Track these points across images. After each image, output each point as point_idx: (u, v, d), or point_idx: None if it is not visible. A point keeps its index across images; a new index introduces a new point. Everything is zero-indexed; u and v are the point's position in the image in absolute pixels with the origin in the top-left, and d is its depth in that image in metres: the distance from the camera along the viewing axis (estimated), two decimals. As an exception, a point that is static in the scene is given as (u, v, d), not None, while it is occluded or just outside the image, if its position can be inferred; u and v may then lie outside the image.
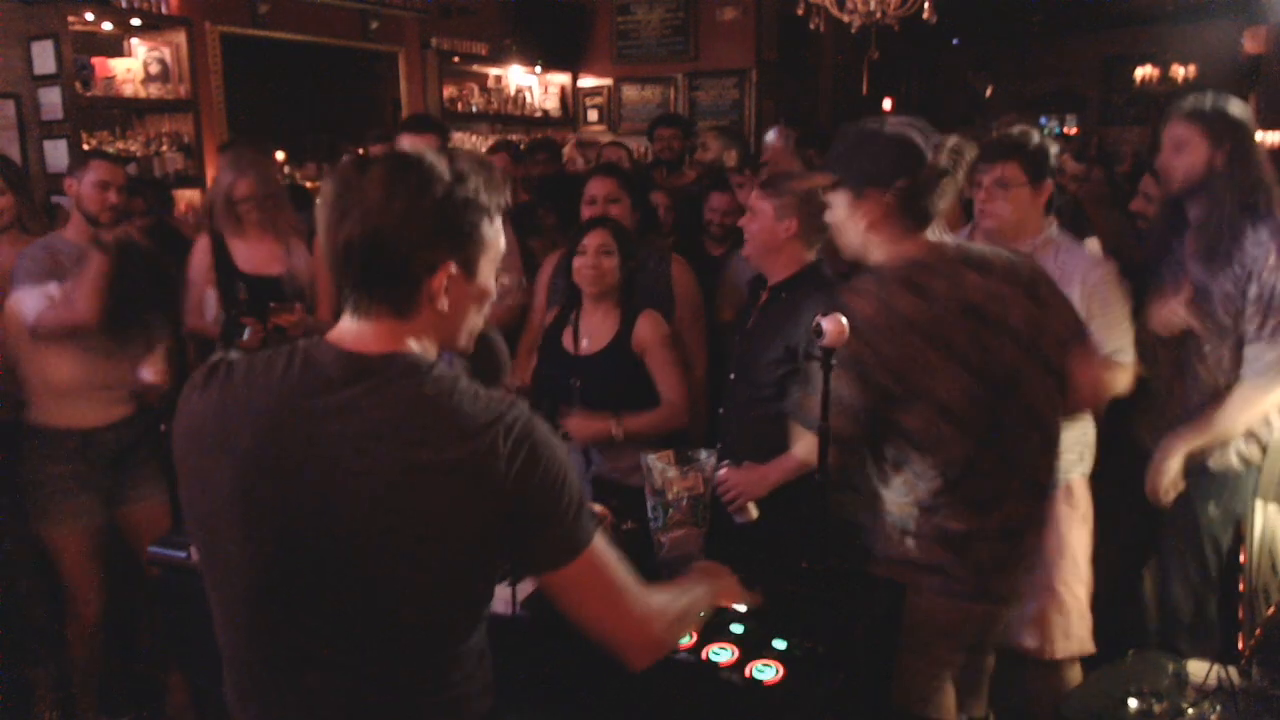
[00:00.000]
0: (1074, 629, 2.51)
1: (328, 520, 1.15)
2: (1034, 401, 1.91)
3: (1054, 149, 2.52)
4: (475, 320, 1.29)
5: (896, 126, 1.90)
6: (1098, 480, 2.57)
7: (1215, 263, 2.41)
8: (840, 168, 1.95)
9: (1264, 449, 2.53)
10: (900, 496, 1.95)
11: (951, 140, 1.89)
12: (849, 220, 1.93)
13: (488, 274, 1.26)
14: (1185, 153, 2.47)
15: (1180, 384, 2.52)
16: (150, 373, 2.83)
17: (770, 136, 4.92)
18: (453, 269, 1.20)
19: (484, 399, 1.19)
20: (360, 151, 4.40)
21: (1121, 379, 2.28)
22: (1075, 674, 2.54)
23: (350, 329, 1.22)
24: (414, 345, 1.22)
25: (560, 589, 1.26)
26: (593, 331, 2.76)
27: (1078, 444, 2.49)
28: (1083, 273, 2.38)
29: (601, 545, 1.26)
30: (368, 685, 1.23)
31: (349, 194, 1.18)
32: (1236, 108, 2.48)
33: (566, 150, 5.97)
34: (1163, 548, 2.69)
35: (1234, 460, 2.51)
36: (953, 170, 1.88)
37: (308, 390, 1.18)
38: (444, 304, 1.21)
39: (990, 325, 1.84)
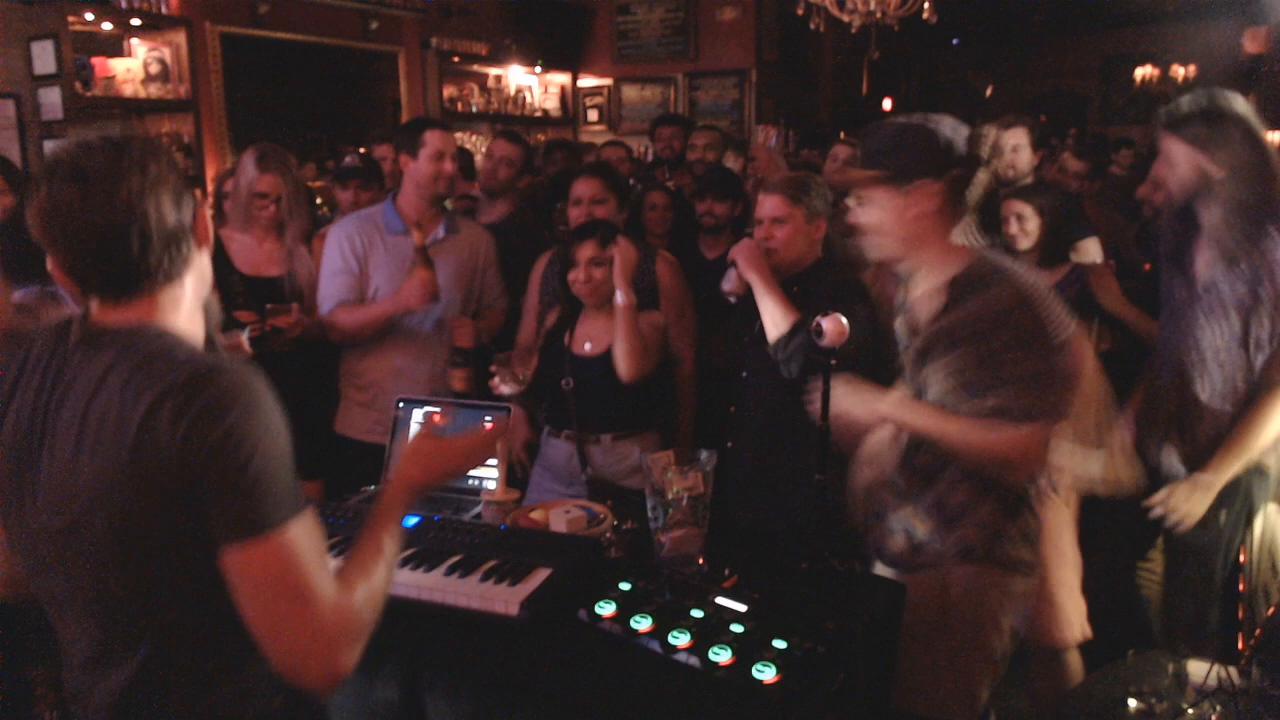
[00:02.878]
0: (1070, 616, 2.51)
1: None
2: None
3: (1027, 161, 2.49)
4: None
5: (928, 120, 1.89)
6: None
7: (1227, 264, 2.36)
8: (884, 163, 1.90)
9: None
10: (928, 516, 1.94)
11: (984, 130, 1.90)
12: (895, 215, 1.90)
13: None
14: (1172, 166, 2.41)
15: (1184, 388, 2.47)
16: None
17: (759, 135, 4.92)
18: None
19: (183, 355, 1.19)
20: (361, 151, 4.40)
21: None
22: (1077, 662, 2.54)
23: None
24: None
25: (231, 572, 1.15)
26: (595, 335, 2.76)
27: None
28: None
29: (296, 539, 1.15)
30: (137, 652, 1.22)
31: None
32: (1228, 103, 2.37)
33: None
34: (1168, 550, 2.67)
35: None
36: (986, 161, 1.89)
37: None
38: None
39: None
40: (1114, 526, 2.69)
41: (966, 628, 1.92)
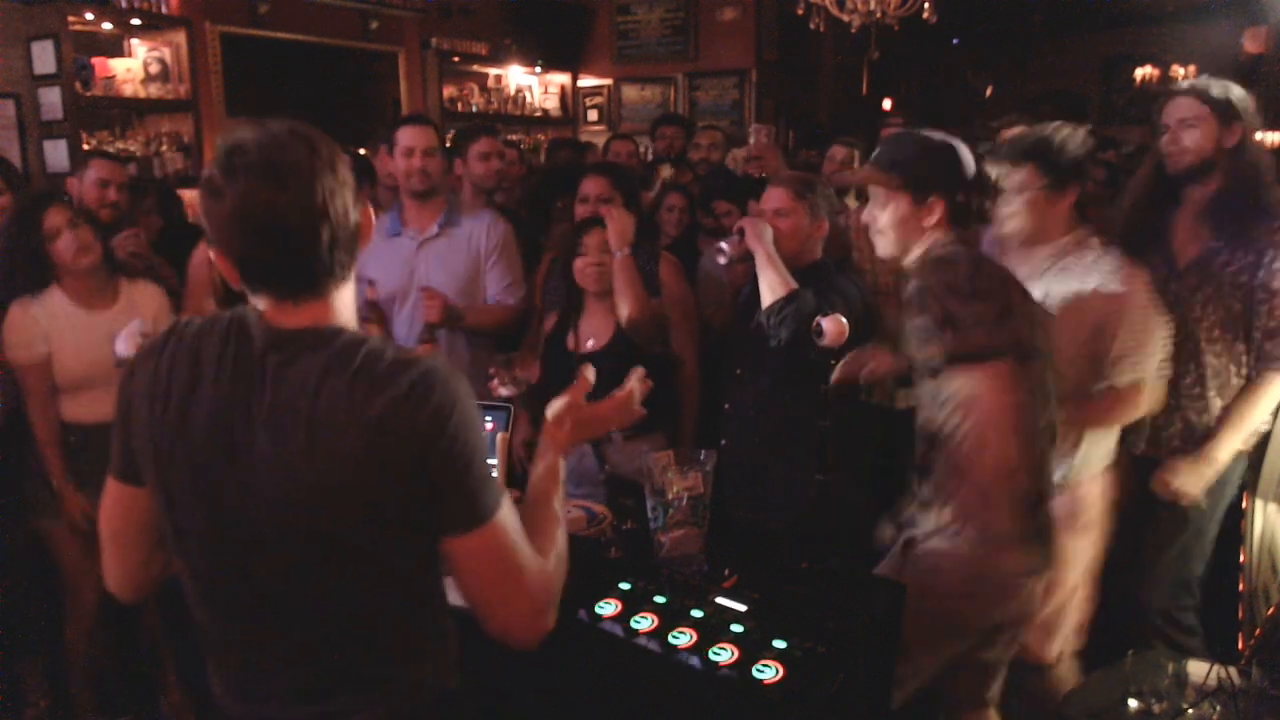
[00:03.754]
0: (1062, 629, 2.51)
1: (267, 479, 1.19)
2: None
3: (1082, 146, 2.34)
4: None
5: (950, 139, 2.01)
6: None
7: (1227, 246, 2.38)
8: (906, 172, 1.99)
9: (1264, 438, 2.50)
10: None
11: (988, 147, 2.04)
12: (906, 222, 1.99)
13: None
14: (1194, 130, 2.43)
15: (1183, 373, 2.47)
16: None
17: (756, 133, 4.92)
18: None
19: (391, 355, 1.20)
20: (361, 151, 4.40)
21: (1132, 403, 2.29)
22: (1071, 673, 2.54)
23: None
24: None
25: (458, 558, 1.23)
26: (595, 331, 2.76)
27: (1084, 444, 2.41)
28: (1117, 291, 2.26)
29: (506, 521, 1.24)
30: (322, 644, 1.25)
31: None
32: (1241, 95, 2.45)
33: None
34: (1146, 542, 2.66)
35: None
36: (983, 188, 2.02)
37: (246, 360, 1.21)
38: None
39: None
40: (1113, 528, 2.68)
41: (934, 592, 1.95)
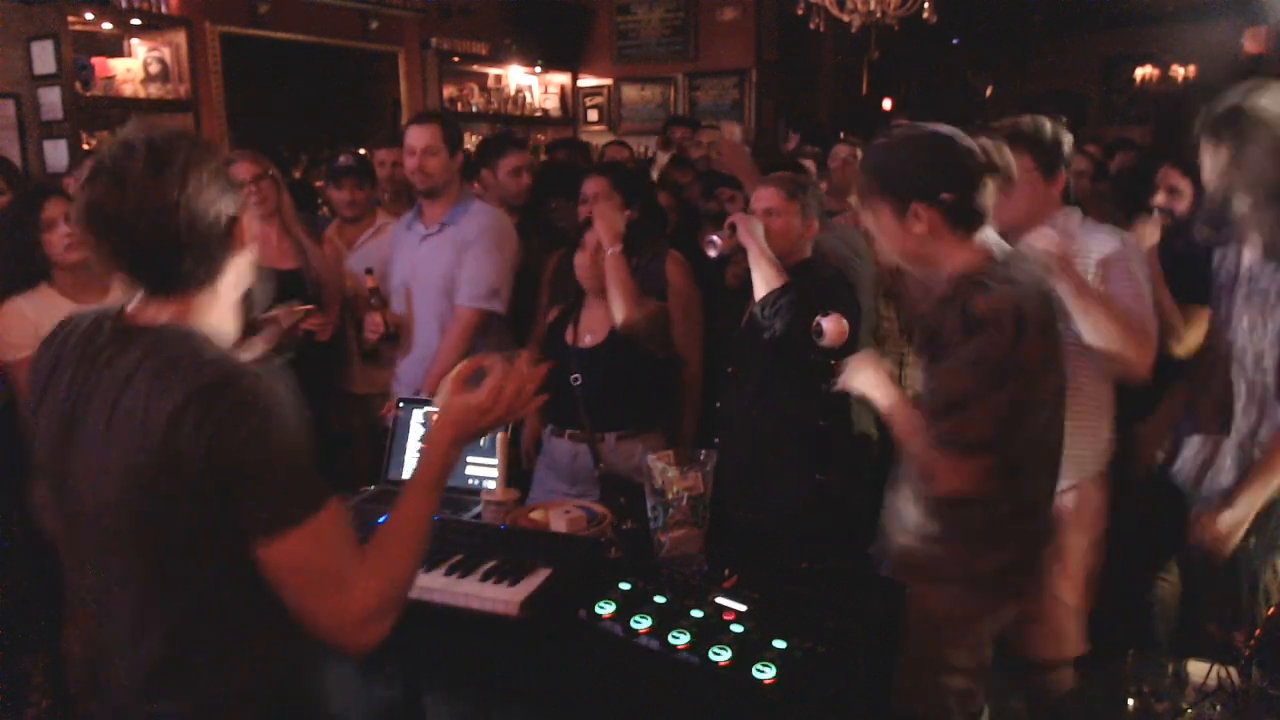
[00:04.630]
0: (1067, 632, 2.50)
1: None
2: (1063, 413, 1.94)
3: (1068, 139, 2.38)
4: None
5: (936, 131, 1.85)
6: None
7: (1266, 253, 2.24)
8: (885, 177, 1.88)
9: None
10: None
11: (984, 141, 1.88)
12: (894, 235, 1.88)
13: None
14: (1210, 165, 2.28)
15: (1213, 394, 2.37)
16: None
17: (728, 131, 4.92)
18: None
19: (207, 358, 1.21)
20: (361, 151, 4.40)
21: (1140, 352, 2.21)
22: (1068, 676, 2.54)
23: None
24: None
25: (265, 563, 1.20)
26: (594, 326, 2.76)
27: (1090, 445, 2.39)
28: (1099, 246, 2.30)
29: (315, 525, 1.20)
30: (146, 648, 1.26)
31: None
32: (1264, 102, 2.24)
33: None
34: (1189, 572, 2.61)
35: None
36: (993, 168, 1.87)
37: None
38: None
39: (1055, 336, 1.88)
40: (1114, 529, 2.67)
41: (938, 645, 1.94)
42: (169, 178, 1.21)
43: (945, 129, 1.85)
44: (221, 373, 1.19)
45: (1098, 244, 2.33)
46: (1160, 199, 3.24)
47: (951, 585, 1.92)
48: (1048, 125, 2.37)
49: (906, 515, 2.00)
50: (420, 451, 1.43)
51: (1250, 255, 2.31)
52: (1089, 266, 2.23)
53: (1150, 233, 2.81)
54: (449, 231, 3.14)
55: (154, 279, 1.26)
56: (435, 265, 3.12)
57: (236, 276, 1.33)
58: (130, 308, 1.28)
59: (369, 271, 3.15)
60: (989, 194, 1.84)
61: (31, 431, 1.34)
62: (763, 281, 2.46)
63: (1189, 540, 2.35)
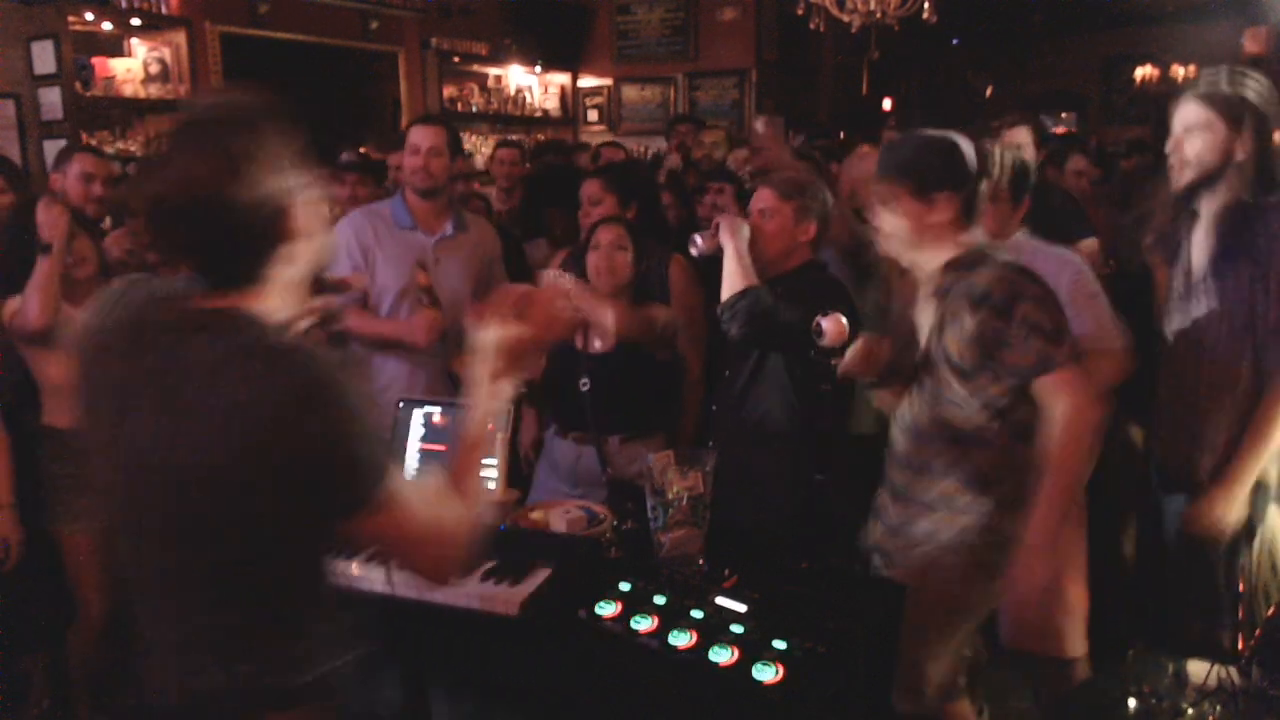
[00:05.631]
0: (1075, 628, 2.51)
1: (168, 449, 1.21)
2: None
3: (1031, 159, 2.61)
4: None
5: (948, 135, 2.04)
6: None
7: (1232, 256, 2.29)
8: (909, 174, 2.01)
9: None
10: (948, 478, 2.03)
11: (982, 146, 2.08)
12: (916, 222, 2.01)
13: None
14: (1200, 138, 2.30)
15: (1193, 386, 2.43)
16: None
17: (758, 125, 4.91)
18: None
19: (269, 342, 1.22)
20: (361, 151, 4.41)
21: (1113, 365, 2.35)
22: (1083, 670, 2.55)
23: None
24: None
25: (355, 538, 1.28)
26: (604, 331, 2.76)
27: None
28: (1054, 273, 2.32)
29: (393, 493, 1.23)
30: (218, 615, 1.26)
31: None
32: (1256, 89, 2.29)
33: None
34: (1170, 558, 2.63)
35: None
36: (988, 173, 2.06)
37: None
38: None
39: None
40: (1110, 528, 2.68)
41: (943, 617, 2.02)
42: (220, 171, 1.18)
43: (953, 135, 2.04)
44: (286, 359, 1.19)
45: (1044, 266, 2.32)
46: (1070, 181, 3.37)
47: (964, 564, 2.00)
48: (1017, 154, 2.62)
49: (908, 491, 2.08)
50: (475, 393, 1.47)
51: (1203, 257, 2.36)
52: None
53: (1092, 256, 2.89)
54: (466, 240, 3.15)
55: (208, 273, 1.25)
56: (467, 270, 3.10)
57: (296, 262, 1.30)
58: (190, 292, 1.26)
59: (421, 267, 3.04)
60: (983, 197, 2.05)
61: (78, 410, 1.32)
62: (728, 284, 2.46)
63: (1186, 529, 2.37)
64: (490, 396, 1.47)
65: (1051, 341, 1.88)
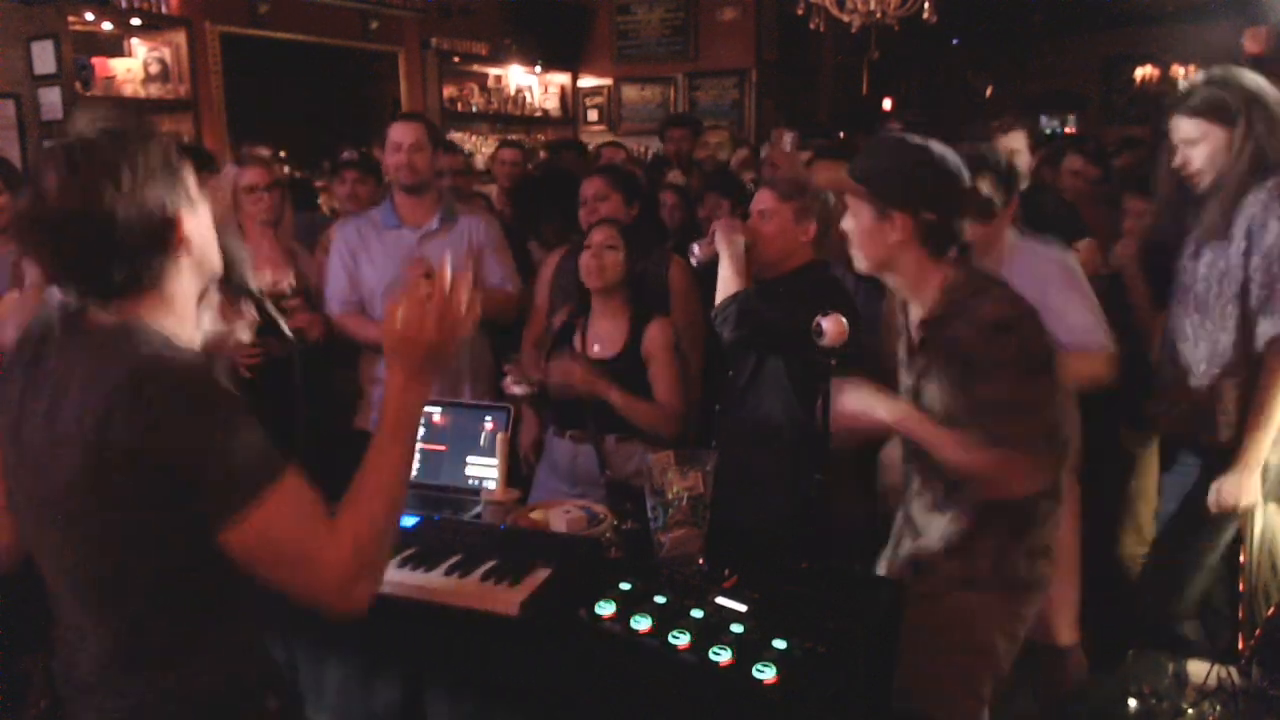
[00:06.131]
0: (1065, 618, 2.53)
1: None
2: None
3: (1025, 163, 2.62)
4: None
5: (930, 148, 1.87)
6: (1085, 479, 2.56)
7: (1219, 235, 2.31)
8: (870, 181, 1.89)
9: None
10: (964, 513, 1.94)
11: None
12: (871, 236, 1.89)
13: None
14: (1201, 149, 2.35)
15: (1182, 368, 2.45)
16: None
17: (786, 141, 4.86)
18: None
19: (137, 352, 1.19)
20: (362, 150, 4.41)
21: (1097, 366, 2.34)
22: (1081, 660, 2.56)
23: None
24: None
25: (230, 549, 1.18)
26: (603, 336, 2.76)
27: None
28: (1035, 266, 2.40)
29: (272, 504, 1.17)
30: (107, 640, 1.28)
31: None
32: (1242, 80, 2.32)
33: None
34: (1159, 540, 2.66)
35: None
36: (977, 189, 1.97)
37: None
38: None
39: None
40: (1107, 525, 2.69)
41: (969, 646, 1.93)
42: (90, 182, 1.16)
43: (938, 146, 1.88)
44: (144, 365, 1.17)
45: (1033, 263, 2.41)
46: (1129, 223, 3.29)
47: (989, 588, 1.91)
48: (1005, 155, 2.60)
49: (927, 525, 1.99)
50: (386, 395, 1.34)
51: (1195, 258, 2.40)
52: (1023, 287, 2.25)
53: (1087, 257, 2.90)
54: (454, 231, 3.15)
55: (87, 287, 1.22)
56: (454, 264, 3.11)
57: (187, 276, 1.28)
58: (84, 310, 1.24)
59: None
60: (966, 223, 1.89)
61: None
62: (721, 288, 2.47)
63: (1210, 511, 2.40)
64: (392, 405, 1.31)
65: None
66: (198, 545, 1.19)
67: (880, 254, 1.90)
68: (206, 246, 1.31)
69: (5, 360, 1.32)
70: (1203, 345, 2.39)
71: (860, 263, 1.96)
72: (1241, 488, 2.36)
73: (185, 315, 1.30)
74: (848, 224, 1.95)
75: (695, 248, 2.60)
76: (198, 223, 1.28)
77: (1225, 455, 2.39)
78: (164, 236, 1.23)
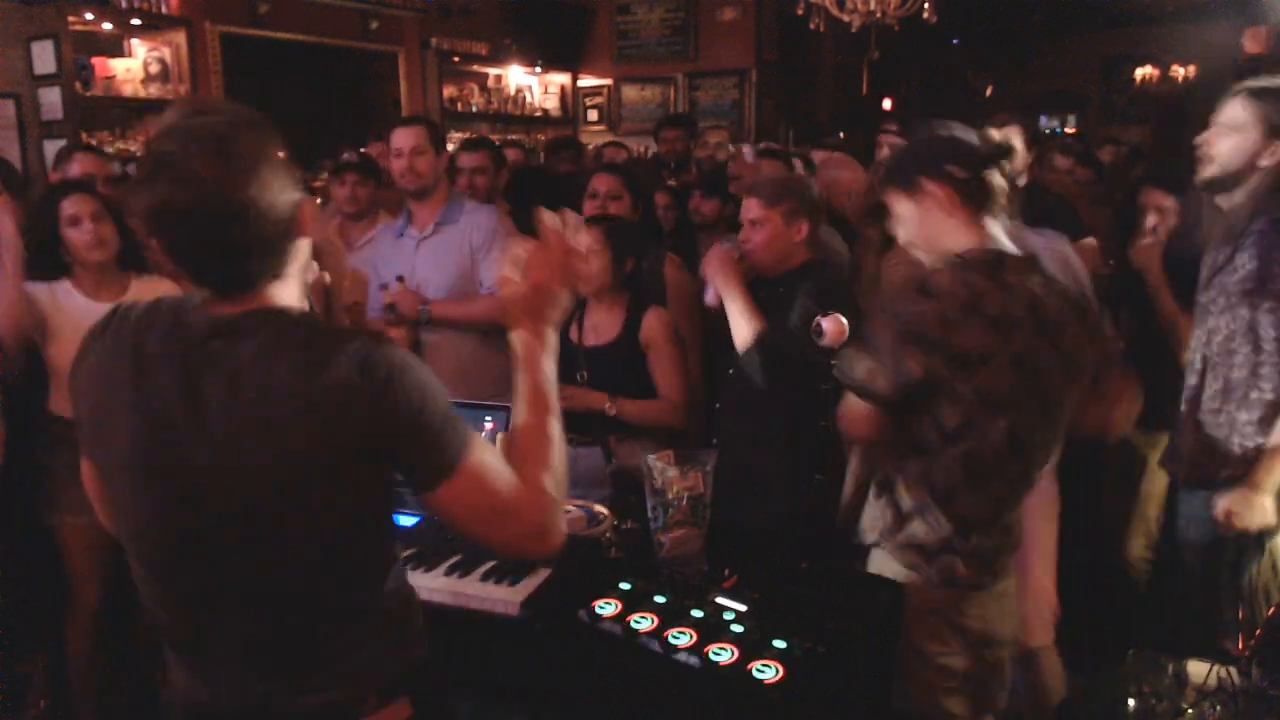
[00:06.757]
0: (1040, 617, 2.52)
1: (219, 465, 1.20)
2: (1059, 422, 1.90)
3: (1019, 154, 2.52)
4: None
5: (933, 128, 2.02)
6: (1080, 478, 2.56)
7: (1233, 247, 2.25)
8: (892, 174, 1.95)
9: None
10: (913, 488, 1.90)
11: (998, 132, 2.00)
12: (910, 217, 1.90)
13: None
14: (1231, 138, 2.27)
15: (1200, 382, 2.39)
16: None
17: (745, 153, 4.87)
18: None
19: (333, 330, 1.24)
20: (361, 151, 4.41)
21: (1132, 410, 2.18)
22: (1055, 662, 2.55)
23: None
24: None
25: (440, 508, 1.26)
26: (598, 325, 2.77)
27: None
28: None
29: (475, 461, 1.24)
30: (285, 621, 1.27)
31: None
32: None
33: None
34: (1170, 551, 2.63)
35: None
36: (1005, 154, 1.89)
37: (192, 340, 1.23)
38: None
39: (1048, 335, 1.81)
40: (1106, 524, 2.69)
41: (916, 641, 1.92)
42: (239, 171, 1.17)
43: (941, 127, 1.99)
44: (364, 343, 1.20)
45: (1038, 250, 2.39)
46: (1151, 220, 3.20)
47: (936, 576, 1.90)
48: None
49: (881, 513, 1.98)
50: (518, 362, 1.40)
51: (1214, 257, 2.34)
52: None
53: (1088, 256, 2.88)
54: (448, 233, 3.14)
55: (225, 278, 1.23)
56: (441, 269, 3.10)
57: (301, 261, 1.31)
58: (210, 300, 1.24)
59: (384, 287, 3.08)
60: (1000, 178, 1.86)
61: (93, 435, 1.30)
62: (738, 335, 2.46)
63: (1220, 531, 2.33)
64: (528, 354, 1.38)
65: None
66: (375, 531, 1.28)
67: (927, 230, 1.88)
68: (313, 231, 1.34)
69: (96, 360, 1.28)
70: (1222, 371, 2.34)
71: (926, 257, 1.93)
72: (1254, 510, 2.27)
73: (298, 299, 1.31)
74: (901, 233, 1.95)
75: (707, 298, 2.62)
76: (310, 208, 1.31)
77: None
78: (297, 221, 1.25)
